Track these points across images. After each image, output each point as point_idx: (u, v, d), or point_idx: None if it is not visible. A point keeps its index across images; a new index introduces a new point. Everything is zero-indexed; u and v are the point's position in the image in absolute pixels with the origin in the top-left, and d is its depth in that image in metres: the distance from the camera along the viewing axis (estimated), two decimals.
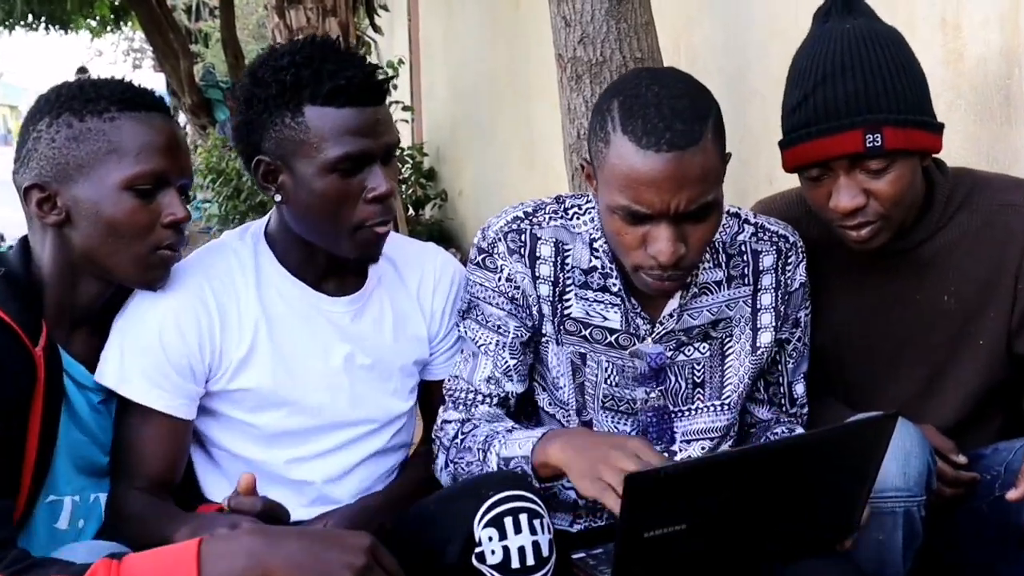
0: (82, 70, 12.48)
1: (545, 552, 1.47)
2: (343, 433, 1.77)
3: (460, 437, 1.71)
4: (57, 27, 13.71)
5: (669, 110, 1.51)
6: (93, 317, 1.64)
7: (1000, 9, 2.11)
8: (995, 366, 1.87)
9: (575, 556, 1.61)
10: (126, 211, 1.54)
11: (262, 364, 1.70)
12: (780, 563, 1.51)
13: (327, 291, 1.75)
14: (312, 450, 1.75)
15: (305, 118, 1.60)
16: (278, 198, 1.68)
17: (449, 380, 1.80)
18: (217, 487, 1.73)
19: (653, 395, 1.76)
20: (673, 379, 1.76)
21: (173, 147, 1.59)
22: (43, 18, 13.09)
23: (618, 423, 1.77)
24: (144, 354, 1.62)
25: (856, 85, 1.67)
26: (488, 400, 1.75)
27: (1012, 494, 1.56)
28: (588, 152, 1.64)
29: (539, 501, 1.50)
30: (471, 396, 1.76)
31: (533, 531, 1.46)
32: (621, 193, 1.54)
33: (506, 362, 1.75)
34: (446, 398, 1.79)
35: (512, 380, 1.76)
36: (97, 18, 14.32)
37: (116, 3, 13.99)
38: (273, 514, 1.49)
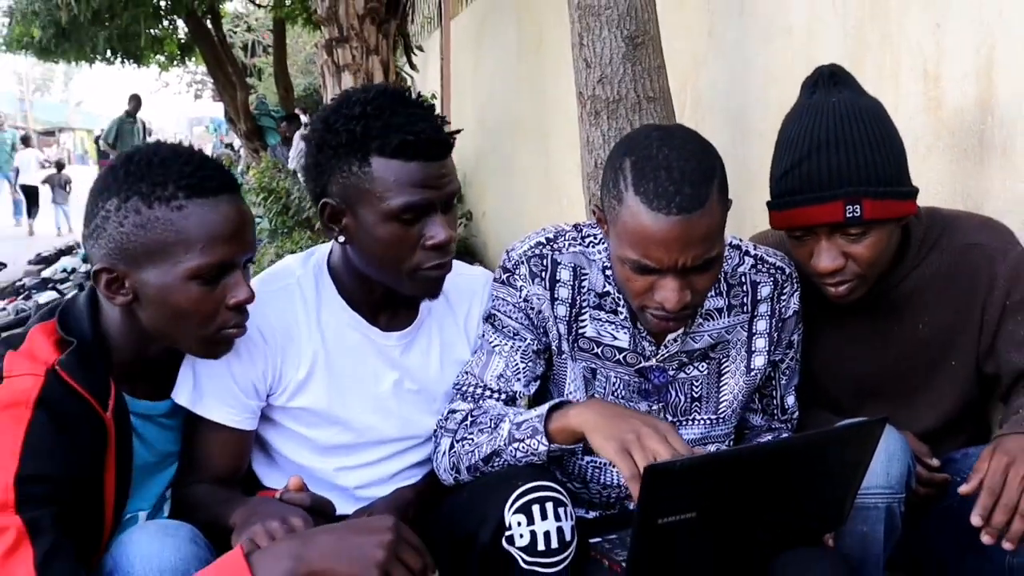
0: (135, 98, 12.47)
1: (568, 537, 1.46)
2: (389, 447, 1.75)
3: (469, 420, 1.66)
4: (131, 61, 13.80)
5: (679, 173, 1.46)
6: (160, 366, 1.58)
7: (976, 64, 2.10)
8: (966, 385, 1.86)
9: (592, 541, 1.60)
10: (192, 299, 1.43)
11: (318, 387, 1.67)
12: (775, 551, 1.50)
13: (381, 324, 1.71)
14: (359, 460, 1.74)
15: (372, 168, 1.52)
16: (341, 239, 1.60)
17: (460, 376, 1.75)
18: (275, 482, 1.72)
19: (655, 408, 1.74)
20: (674, 394, 1.74)
21: (239, 231, 1.45)
22: (119, 53, 13.19)
23: None
24: (214, 378, 1.61)
25: (839, 160, 1.64)
26: (496, 395, 1.71)
27: (964, 488, 1.54)
28: (601, 201, 1.59)
29: (563, 491, 1.49)
30: (479, 390, 1.71)
31: (558, 518, 1.45)
32: (632, 249, 1.50)
33: (516, 364, 1.71)
34: (455, 391, 1.75)
35: (520, 382, 1.72)
36: (165, 54, 14.42)
37: (183, 41, 14.10)
38: (319, 507, 1.48)
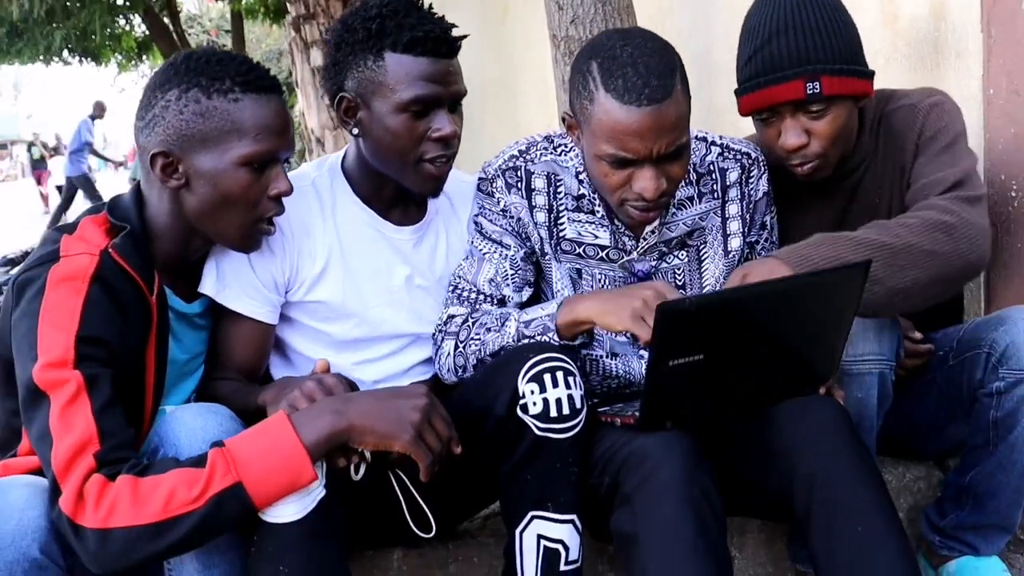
0: (99, 105, 12.37)
1: (578, 404, 1.52)
2: (402, 340, 1.81)
3: (471, 321, 1.74)
4: (88, 59, 13.61)
5: (644, 68, 1.54)
6: (195, 263, 1.67)
7: None
8: None
9: (600, 410, 1.68)
10: (241, 184, 1.52)
11: (334, 281, 1.74)
12: (773, 403, 1.57)
13: (393, 219, 1.79)
14: (375, 354, 1.79)
15: (385, 62, 1.63)
16: (355, 132, 1.70)
17: (453, 279, 1.82)
18: None
19: None
20: None
21: (285, 127, 1.56)
22: (77, 52, 13.01)
23: None
24: (236, 271, 1.67)
25: (797, 42, 1.73)
26: (489, 300, 1.78)
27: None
28: (571, 107, 1.66)
29: (572, 363, 1.54)
30: (474, 295, 1.79)
31: (568, 386, 1.51)
32: (608, 143, 1.57)
33: (506, 270, 1.78)
34: (450, 294, 1.82)
35: (510, 287, 1.79)
36: (123, 51, 14.23)
37: (140, 40, 13.98)
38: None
